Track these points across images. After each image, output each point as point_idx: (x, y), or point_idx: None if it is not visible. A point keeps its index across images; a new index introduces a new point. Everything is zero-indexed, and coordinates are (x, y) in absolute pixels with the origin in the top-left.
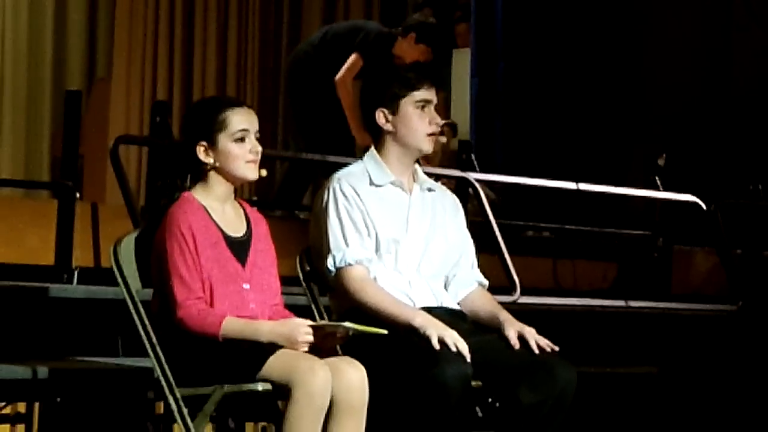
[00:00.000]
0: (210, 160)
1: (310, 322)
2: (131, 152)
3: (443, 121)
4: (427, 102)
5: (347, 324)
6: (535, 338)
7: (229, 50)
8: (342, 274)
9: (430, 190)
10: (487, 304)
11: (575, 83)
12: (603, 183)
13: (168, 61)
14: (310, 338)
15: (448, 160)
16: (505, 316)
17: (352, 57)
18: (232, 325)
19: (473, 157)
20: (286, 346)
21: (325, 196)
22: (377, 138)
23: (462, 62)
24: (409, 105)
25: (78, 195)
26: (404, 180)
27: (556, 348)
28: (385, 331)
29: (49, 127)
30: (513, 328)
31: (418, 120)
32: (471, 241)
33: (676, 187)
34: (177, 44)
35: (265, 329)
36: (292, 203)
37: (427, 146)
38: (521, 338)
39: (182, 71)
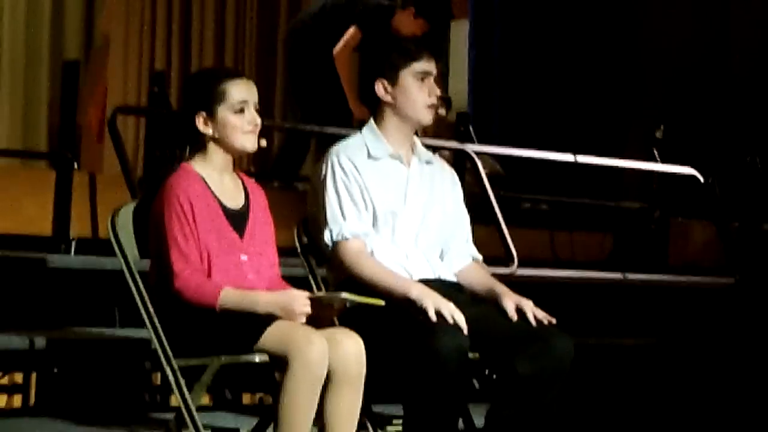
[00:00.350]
0: (209, 131)
1: (308, 294)
2: (129, 122)
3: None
4: (427, 73)
5: (344, 295)
6: (532, 310)
7: (227, 19)
8: (339, 248)
9: (428, 162)
10: (482, 278)
11: (573, 55)
12: (601, 155)
13: (166, 30)
14: (308, 309)
15: (446, 133)
16: (502, 289)
17: (351, 30)
18: (229, 296)
19: (471, 129)
20: (283, 317)
21: (323, 169)
22: (376, 109)
23: (460, 34)
24: (408, 76)
25: (76, 165)
26: (402, 152)
27: (554, 320)
28: (383, 302)
29: (46, 97)
30: (510, 300)
31: (417, 91)
32: (467, 215)
33: (674, 160)
34: (175, 13)
35: (262, 300)
36: (289, 175)
37: (427, 117)
38: (519, 310)
39: (180, 41)
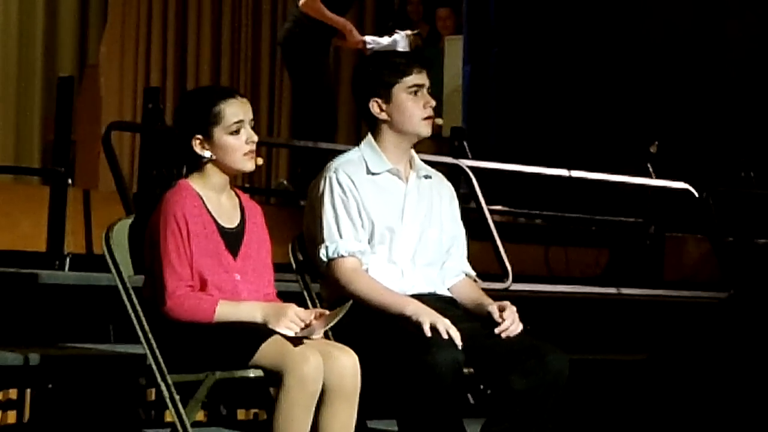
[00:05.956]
0: (207, 153)
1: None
2: (125, 139)
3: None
4: (419, 86)
5: (321, 329)
6: (513, 314)
7: (223, 35)
8: (334, 265)
9: (426, 177)
10: (472, 293)
11: (568, 70)
12: (595, 170)
13: (161, 46)
14: (298, 323)
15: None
16: (488, 300)
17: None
18: (226, 308)
19: (466, 144)
20: (275, 324)
21: (321, 185)
22: (373, 127)
23: (454, 49)
24: (401, 91)
25: (70, 181)
26: (401, 168)
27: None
28: (350, 302)
29: (39, 113)
30: (494, 305)
31: (412, 105)
32: (463, 231)
33: (669, 175)
34: (170, 30)
35: (258, 306)
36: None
37: (425, 130)
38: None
39: (176, 57)
